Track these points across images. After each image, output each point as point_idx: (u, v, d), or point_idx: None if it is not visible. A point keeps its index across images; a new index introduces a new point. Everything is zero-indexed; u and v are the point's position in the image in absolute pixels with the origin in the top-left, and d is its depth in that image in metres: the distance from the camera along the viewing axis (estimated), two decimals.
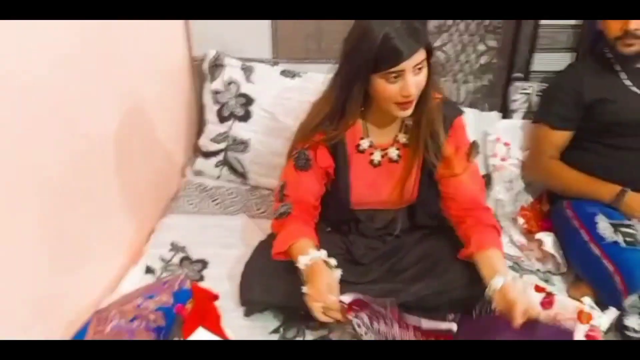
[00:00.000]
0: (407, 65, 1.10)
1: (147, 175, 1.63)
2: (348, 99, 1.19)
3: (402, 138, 1.30)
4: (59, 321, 1.21)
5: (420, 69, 1.14)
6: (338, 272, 1.20)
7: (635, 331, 1.20)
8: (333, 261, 1.21)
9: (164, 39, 1.71)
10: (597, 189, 1.52)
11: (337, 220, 1.40)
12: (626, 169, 1.53)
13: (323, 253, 1.21)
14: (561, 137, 1.63)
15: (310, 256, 1.19)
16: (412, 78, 1.12)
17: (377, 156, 1.31)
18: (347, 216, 1.38)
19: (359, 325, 1.14)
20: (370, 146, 1.31)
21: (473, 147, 1.32)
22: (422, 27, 1.15)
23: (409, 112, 1.18)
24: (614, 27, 1.51)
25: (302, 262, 1.19)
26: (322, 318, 1.14)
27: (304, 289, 1.15)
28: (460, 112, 1.33)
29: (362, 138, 1.30)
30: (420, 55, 1.12)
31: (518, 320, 1.09)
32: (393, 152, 1.31)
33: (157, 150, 1.71)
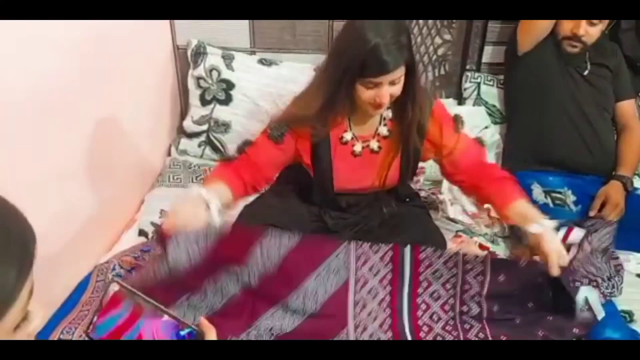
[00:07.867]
0: (385, 79, 1.19)
1: (135, 153, 1.78)
2: (337, 97, 1.25)
3: (383, 130, 1.40)
4: (61, 276, 1.35)
5: (395, 83, 1.22)
6: (213, 216, 1.17)
7: None
8: (216, 207, 1.19)
9: (149, 29, 1.85)
10: None
11: (322, 203, 1.48)
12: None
13: (213, 195, 1.20)
14: None
15: (202, 191, 1.19)
16: (387, 89, 1.21)
17: (358, 147, 1.39)
18: (331, 201, 1.46)
19: None
20: (353, 138, 1.38)
21: (456, 120, 1.40)
22: (408, 43, 1.22)
23: (381, 111, 1.31)
24: (565, 27, 1.70)
25: (195, 191, 1.20)
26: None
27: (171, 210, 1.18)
28: (435, 98, 1.51)
29: (345, 131, 1.38)
30: (400, 71, 1.20)
31: (554, 268, 1.16)
32: (374, 144, 1.41)
33: (144, 130, 1.86)
